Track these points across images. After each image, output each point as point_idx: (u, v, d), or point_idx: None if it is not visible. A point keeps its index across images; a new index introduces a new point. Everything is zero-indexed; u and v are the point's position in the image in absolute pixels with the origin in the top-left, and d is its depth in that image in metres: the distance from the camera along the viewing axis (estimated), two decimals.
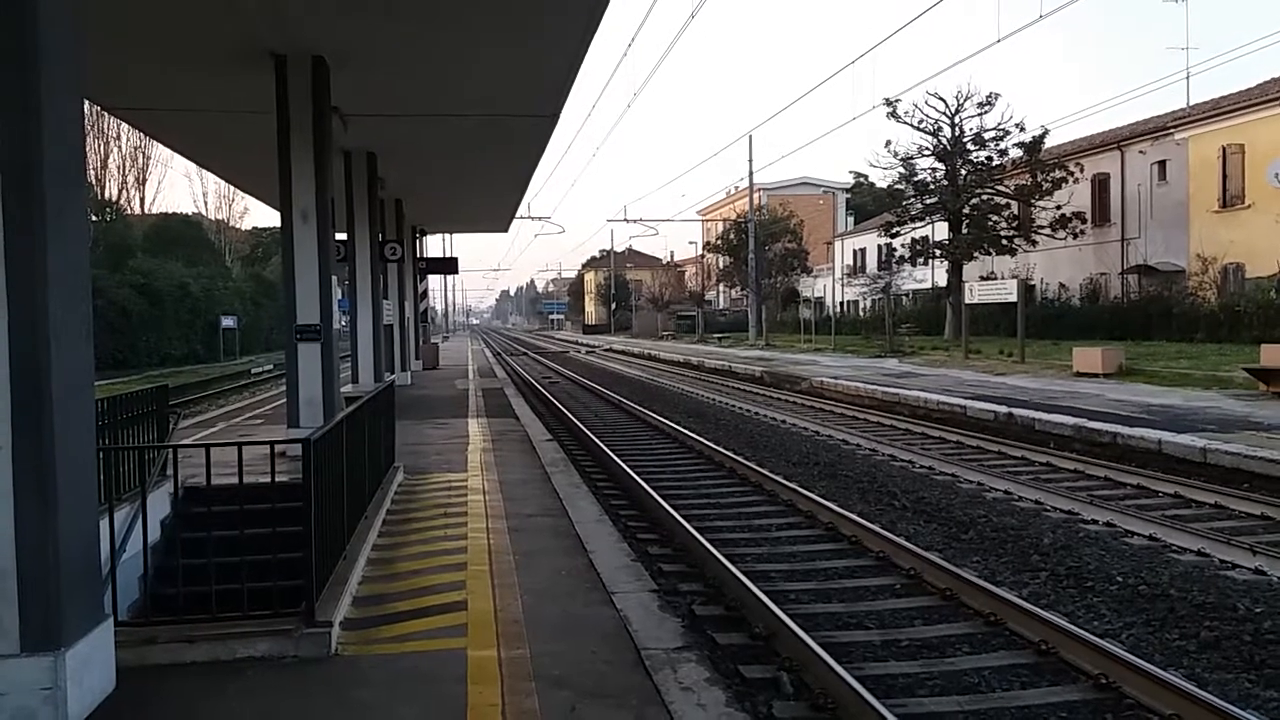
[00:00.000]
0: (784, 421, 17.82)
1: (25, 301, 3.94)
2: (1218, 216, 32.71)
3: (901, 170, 40.78)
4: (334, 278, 11.59)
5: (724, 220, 69.57)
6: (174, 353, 46.13)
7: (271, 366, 40.66)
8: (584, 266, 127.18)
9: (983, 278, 37.64)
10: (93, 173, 54.74)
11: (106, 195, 58.17)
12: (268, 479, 5.56)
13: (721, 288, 77.61)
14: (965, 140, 39.06)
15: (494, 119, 14.63)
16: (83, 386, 4.37)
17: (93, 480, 4.56)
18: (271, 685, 4.65)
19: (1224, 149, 32.49)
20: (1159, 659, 5.63)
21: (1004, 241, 38.91)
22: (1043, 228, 37.82)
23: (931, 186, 40.07)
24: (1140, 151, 37.41)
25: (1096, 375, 20.92)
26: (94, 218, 52.02)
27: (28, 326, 3.95)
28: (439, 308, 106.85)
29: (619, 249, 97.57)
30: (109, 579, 5.00)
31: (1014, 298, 26.88)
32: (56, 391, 4.01)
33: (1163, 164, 36.30)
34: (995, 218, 39.24)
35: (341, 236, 17.66)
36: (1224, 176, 32.63)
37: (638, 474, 11.49)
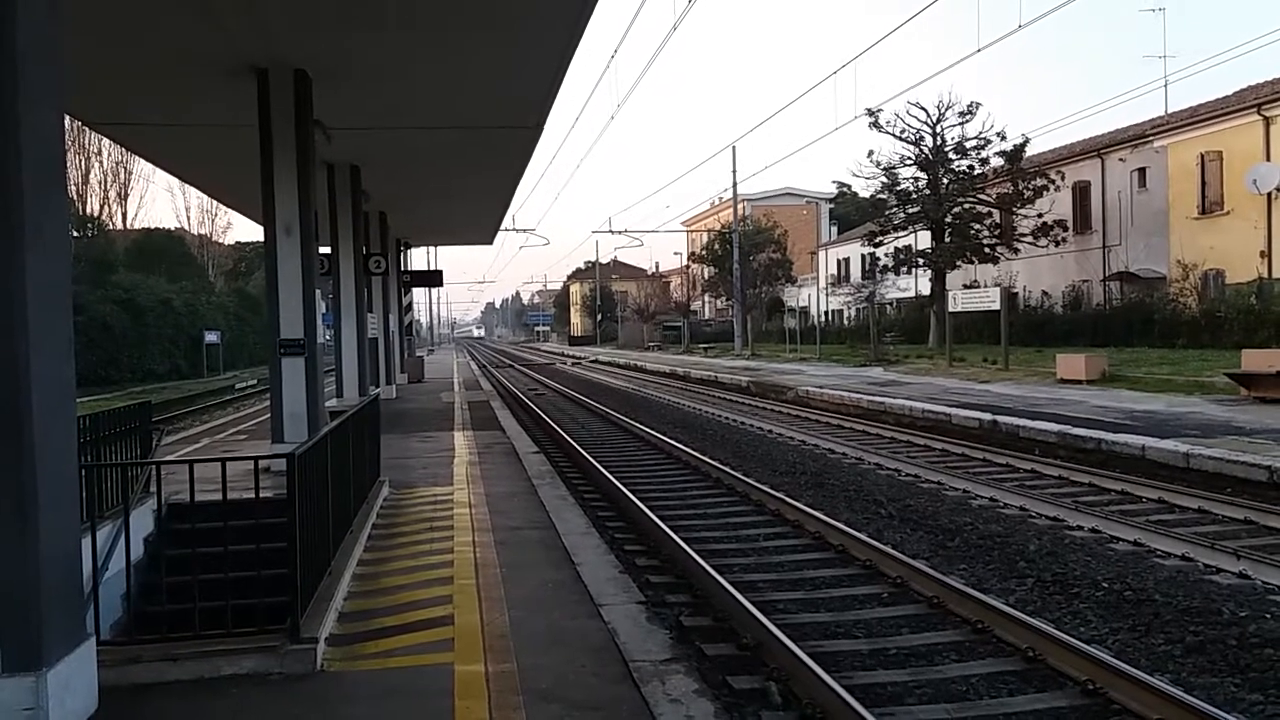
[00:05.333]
0: (770, 431, 17.84)
1: (5, 317, 3.91)
2: (1197, 223, 33.00)
3: (884, 180, 40.97)
4: (318, 291, 11.55)
5: (708, 231, 69.73)
6: (157, 368, 45.83)
7: (255, 381, 40.46)
8: (569, 278, 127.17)
9: (966, 286, 37.85)
10: (74, 188, 54.41)
11: (88, 210, 57.83)
12: (252, 495, 5.53)
13: (707, 298, 77.73)
14: (947, 149, 39.29)
15: (477, 131, 14.64)
16: (64, 403, 4.33)
17: (75, 497, 4.52)
18: (257, 703, 4.61)
19: (1202, 156, 32.79)
20: (1145, 664, 5.66)
21: (986, 250, 39.13)
22: (1025, 236, 38.08)
23: (914, 196, 40.27)
24: (1120, 159, 37.73)
25: (1080, 382, 21.04)
26: (75, 233, 51.71)
27: (7, 342, 3.92)
28: (424, 321, 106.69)
29: (604, 260, 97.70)
30: (91, 597, 4.95)
31: (997, 306, 27.03)
32: (37, 408, 3.98)
33: (1142, 171, 36.61)
34: (977, 226, 39.48)
35: (325, 250, 17.61)
36: (1203, 183, 32.91)
37: (624, 485, 11.48)
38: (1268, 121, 30.05)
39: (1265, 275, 29.70)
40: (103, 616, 5.13)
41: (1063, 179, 38.21)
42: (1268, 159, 29.77)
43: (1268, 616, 6.46)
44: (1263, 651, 5.84)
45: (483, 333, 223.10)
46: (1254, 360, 17.53)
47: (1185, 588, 7.16)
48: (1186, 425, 13.79)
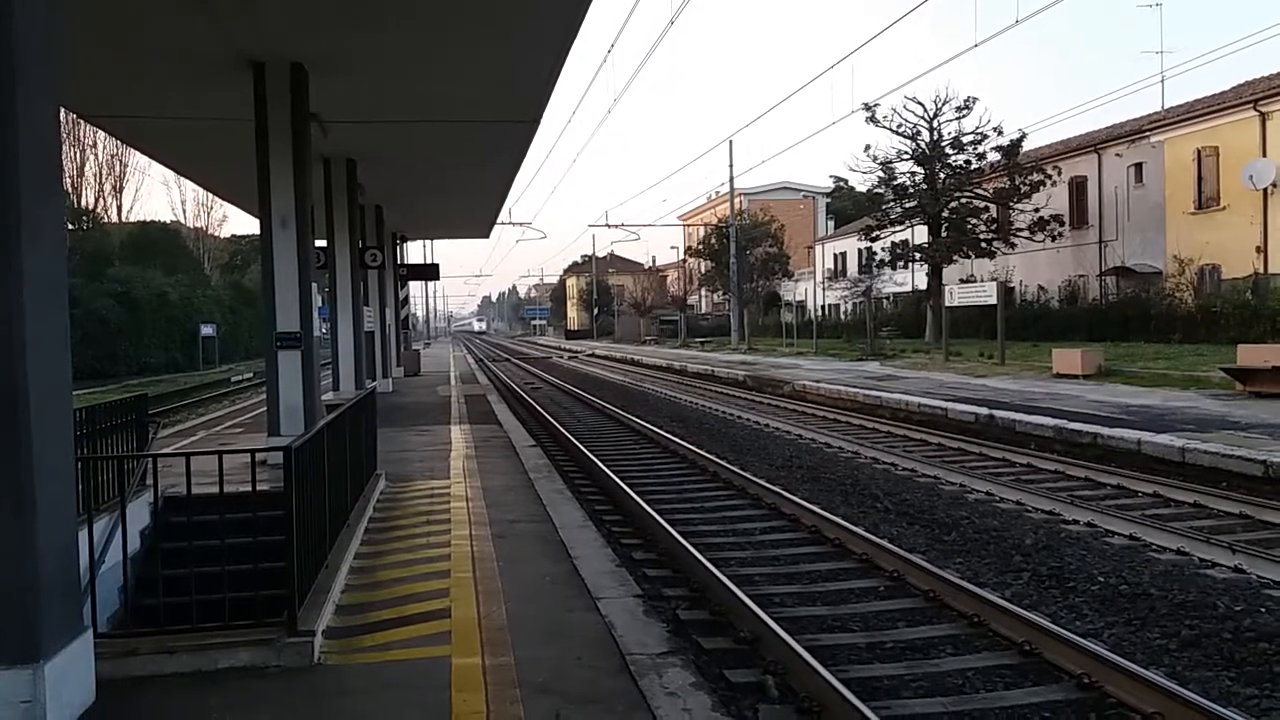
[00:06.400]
0: (767, 425, 17.85)
1: (2, 310, 3.90)
2: (1193, 218, 33.03)
3: (881, 174, 40.93)
4: (314, 285, 11.53)
5: (705, 225, 69.69)
6: (153, 361, 45.75)
7: (251, 375, 40.39)
8: (566, 272, 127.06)
9: (962, 280, 37.83)
10: (69, 181, 54.22)
11: (83, 203, 57.55)
12: (249, 488, 5.53)
13: (703, 292, 77.69)
14: (944, 144, 39.24)
15: (474, 125, 14.61)
16: (60, 395, 4.33)
17: (71, 490, 4.52)
18: (254, 695, 4.61)
19: (1199, 151, 32.80)
20: (1141, 658, 5.67)
21: (983, 244, 39.13)
22: (1021, 230, 38.08)
23: (911, 190, 40.23)
24: (1117, 154, 37.74)
25: (1076, 376, 21.06)
26: (71, 226, 51.53)
27: (4, 335, 3.91)
28: (420, 314, 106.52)
29: (601, 254, 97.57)
30: (88, 590, 4.95)
31: (993, 300, 27.03)
32: (34, 401, 3.97)
33: (1139, 166, 36.63)
34: (974, 221, 39.47)
35: (321, 243, 17.58)
36: (1199, 179, 32.94)
37: (621, 479, 11.48)
38: (1264, 117, 30.06)
39: (1261, 270, 29.76)
40: (99, 609, 5.13)
41: (1059, 174, 38.20)
42: (1264, 154, 29.79)
43: (1263, 611, 6.49)
44: (1257, 645, 5.87)
45: (484, 326, 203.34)
46: (1250, 355, 17.55)
47: (1181, 582, 7.18)
48: (1182, 420, 13.81)
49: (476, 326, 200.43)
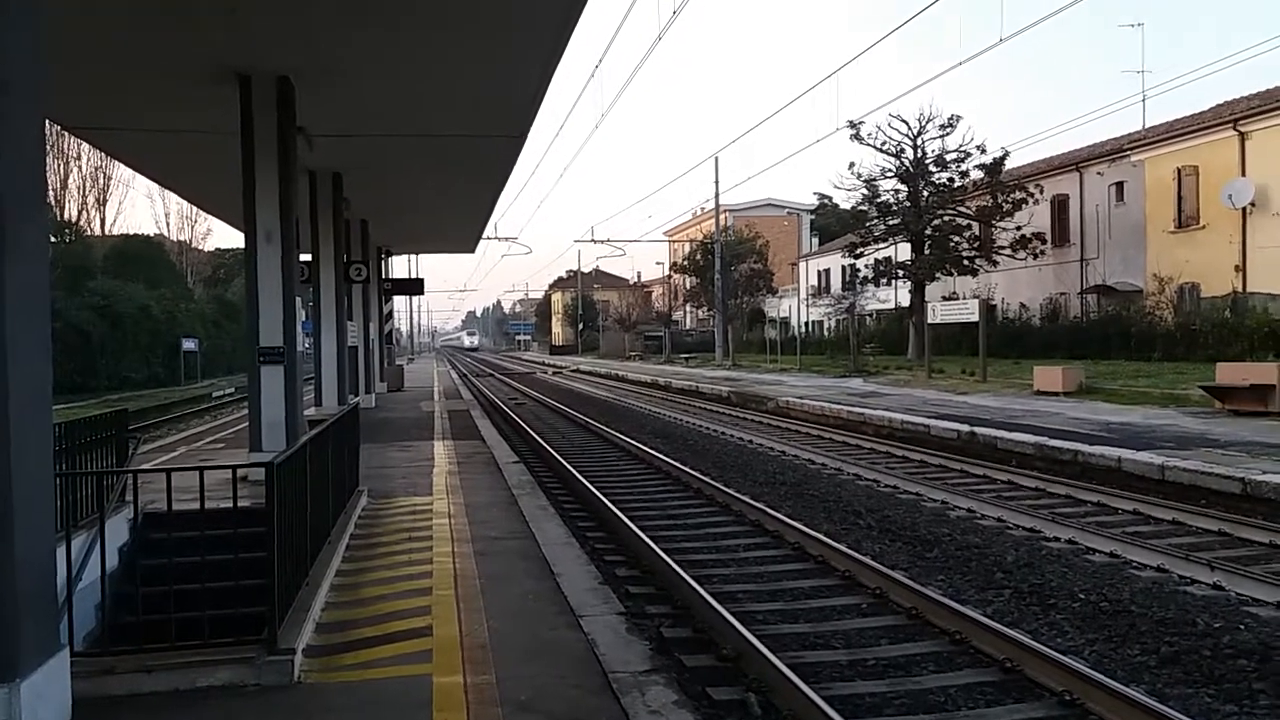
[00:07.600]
0: (750, 441, 17.87)
1: None
2: (1173, 237, 33.35)
3: (865, 192, 41.14)
4: (298, 299, 11.49)
5: (690, 241, 69.92)
6: (134, 376, 45.39)
7: (234, 389, 40.13)
8: (551, 287, 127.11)
9: (945, 298, 38.05)
10: (52, 193, 53.90)
11: (66, 216, 57.21)
12: (230, 504, 5.49)
13: (688, 308, 77.85)
14: (927, 162, 39.50)
15: (461, 139, 14.64)
16: (40, 409, 4.29)
17: (50, 503, 4.47)
18: (232, 714, 4.57)
19: (1179, 171, 33.14)
20: (1121, 675, 5.70)
21: (965, 262, 39.36)
22: (1003, 248, 38.33)
23: (894, 208, 40.45)
24: (1098, 173, 38.10)
25: (1057, 394, 21.20)
26: (53, 239, 51.17)
27: None
28: (404, 329, 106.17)
29: (586, 270, 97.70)
30: (65, 607, 4.90)
31: (976, 317, 27.20)
32: (13, 414, 3.93)
33: (1120, 185, 36.98)
34: (957, 238, 39.70)
35: (306, 257, 17.52)
36: (1179, 198, 33.26)
37: (605, 495, 11.46)
38: (1243, 137, 30.42)
39: (1240, 289, 30.04)
40: (76, 627, 5.07)
41: (1041, 192, 38.52)
42: (1243, 174, 30.13)
43: (1241, 627, 6.53)
44: (1236, 662, 5.90)
45: (475, 341, 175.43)
46: (1228, 373, 17.71)
47: (1161, 599, 7.23)
48: (1162, 437, 13.91)
49: (467, 342, 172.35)
